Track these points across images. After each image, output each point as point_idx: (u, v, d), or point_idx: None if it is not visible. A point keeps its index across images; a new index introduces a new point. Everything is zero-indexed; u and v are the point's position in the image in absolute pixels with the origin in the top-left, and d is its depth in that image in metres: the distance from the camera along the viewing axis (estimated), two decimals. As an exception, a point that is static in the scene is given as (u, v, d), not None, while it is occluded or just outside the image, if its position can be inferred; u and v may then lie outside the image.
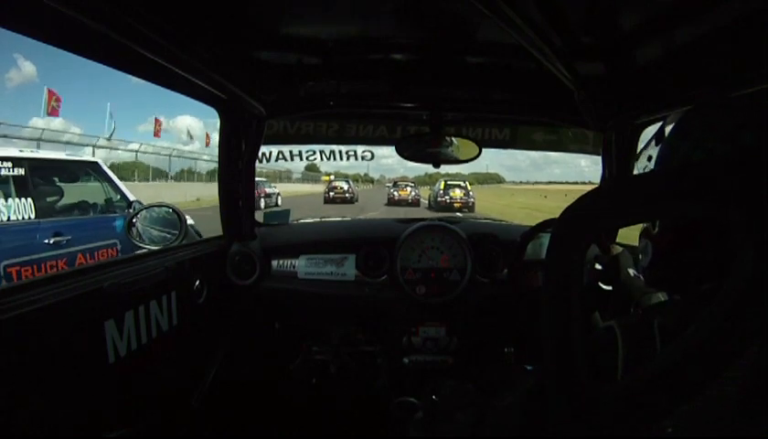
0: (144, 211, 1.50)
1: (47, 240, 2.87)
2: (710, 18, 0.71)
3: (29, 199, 2.88)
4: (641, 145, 1.27)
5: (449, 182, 16.11)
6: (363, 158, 2.22)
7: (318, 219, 2.03)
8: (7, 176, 2.81)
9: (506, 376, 1.31)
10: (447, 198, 14.78)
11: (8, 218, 2.77)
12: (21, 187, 2.87)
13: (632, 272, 0.92)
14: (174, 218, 1.43)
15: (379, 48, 1.09)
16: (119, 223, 3.25)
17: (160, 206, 1.53)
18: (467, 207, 14.20)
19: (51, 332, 0.72)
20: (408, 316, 1.44)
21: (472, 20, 0.89)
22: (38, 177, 3.05)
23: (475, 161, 1.45)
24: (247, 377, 1.47)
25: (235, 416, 1.37)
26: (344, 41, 1.04)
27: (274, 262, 1.48)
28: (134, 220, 1.44)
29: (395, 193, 17.32)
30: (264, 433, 1.40)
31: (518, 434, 0.47)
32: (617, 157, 1.30)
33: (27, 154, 3.20)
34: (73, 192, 3.50)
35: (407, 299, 1.42)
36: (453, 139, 1.42)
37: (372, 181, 62.14)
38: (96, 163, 3.73)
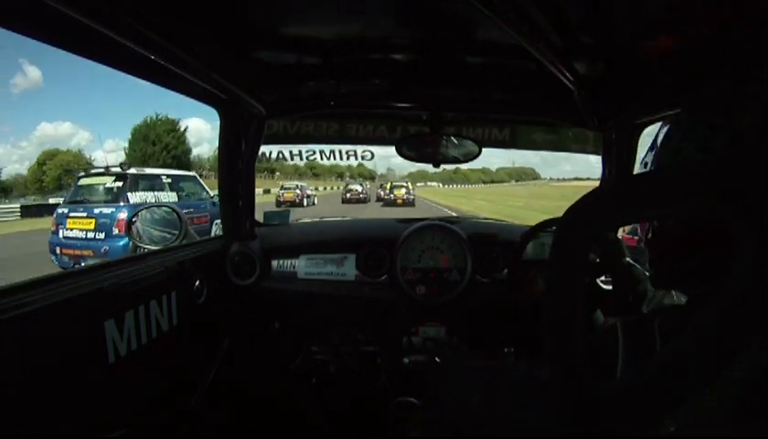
0: (144, 211, 1.50)
1: (185, 212, 5.26)
2: (711, 18, 0.71)
3: (174, 192, 6.53)
4: (641, 146, 1.28)
5: (395, 183, 22.55)
6: (363, 158, 2.23)
7: (318, 219, 2.03)
8: (166, 182, 6.47)
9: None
10: (392, 195, 19.89)
11: (168, 200, 6.21)
12: (171, 187, 6.54)
13: (629, 259, 0.92)
14: (174, 218, 1.43)
15: (379, 48, 1.09)
16: (208, 205, 6.86)
17: (160, 206, 1.53)
18: (408, 202, 19.26)
19: (51, 332, 0.72)
20: (408, 316, 1.44)
21: (472, 20, 0.89)
22: (174, 182, 6.66)
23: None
24: (247, 377, 1.47)
25: (235, 416, 1.37)
26: (344, 41, 1.04)
27: (274, 262, 1.48)
28: (134, 220, 1.44)
29: (381, 192, 22.65)
30: (264, 434, 1.40)
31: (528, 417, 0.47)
32: (617, 157, 1.30)
33: (170, 171, 7.33)
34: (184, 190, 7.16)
35: (407, 299, 1.42)
36: (452, 139, 1.42)
37: (373, 178, 53.25)
38: (195, 176, 7.51)
